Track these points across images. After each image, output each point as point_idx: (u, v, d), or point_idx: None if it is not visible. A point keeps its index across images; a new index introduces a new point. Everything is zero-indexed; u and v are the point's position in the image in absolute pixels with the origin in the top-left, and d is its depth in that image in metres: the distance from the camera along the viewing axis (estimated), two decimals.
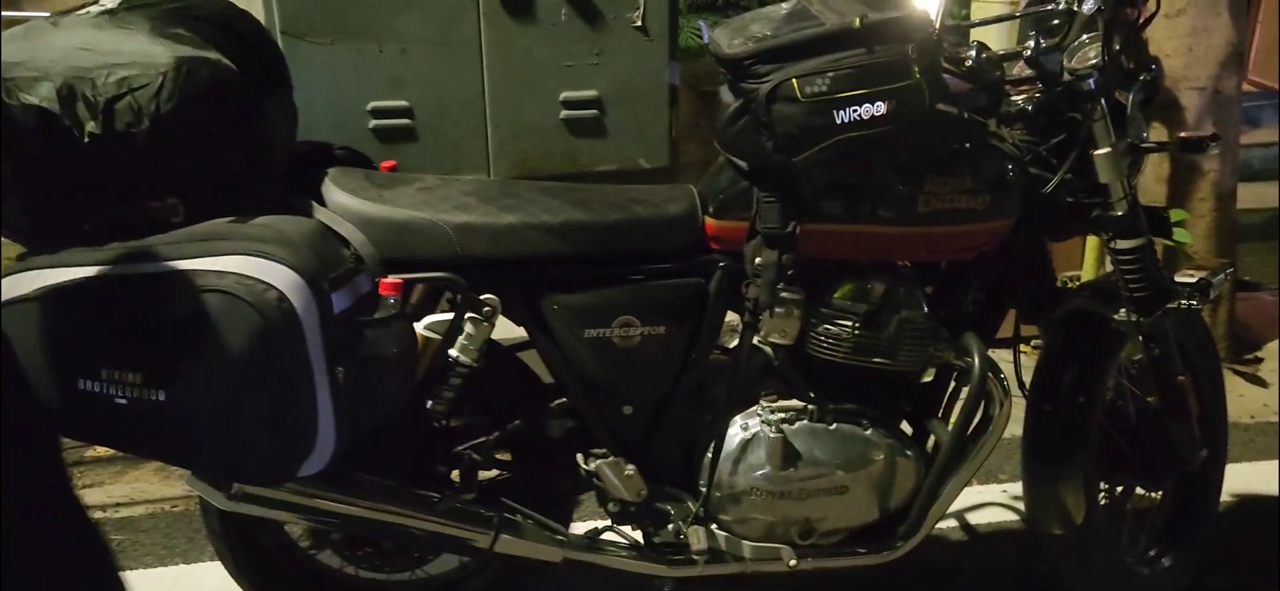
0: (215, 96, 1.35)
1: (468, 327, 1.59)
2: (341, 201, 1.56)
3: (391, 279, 1.43)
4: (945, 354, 1.74)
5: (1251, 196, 4.48)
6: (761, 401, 1.77)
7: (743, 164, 1.62)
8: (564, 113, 2.71)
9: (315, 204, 1.50)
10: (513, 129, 2.71)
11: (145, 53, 1.34)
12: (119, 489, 2.75)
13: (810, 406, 1.74)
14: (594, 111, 2.74)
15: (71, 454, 2.84)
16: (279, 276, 1.27)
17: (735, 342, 1.76)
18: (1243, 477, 2.66)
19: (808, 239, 1.60)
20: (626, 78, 2.69)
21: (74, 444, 2.72)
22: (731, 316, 1.73)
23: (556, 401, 1.73)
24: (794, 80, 1.47)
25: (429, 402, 1.63)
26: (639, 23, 2.63)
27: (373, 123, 2.60)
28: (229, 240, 1.31)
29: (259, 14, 2.54)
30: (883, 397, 1.81)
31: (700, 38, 3.27)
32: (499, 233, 1.58)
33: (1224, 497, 2.24)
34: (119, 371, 1.23)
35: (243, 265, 1.27)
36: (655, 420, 1.74)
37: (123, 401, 1.23)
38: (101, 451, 2.75)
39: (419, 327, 1.59)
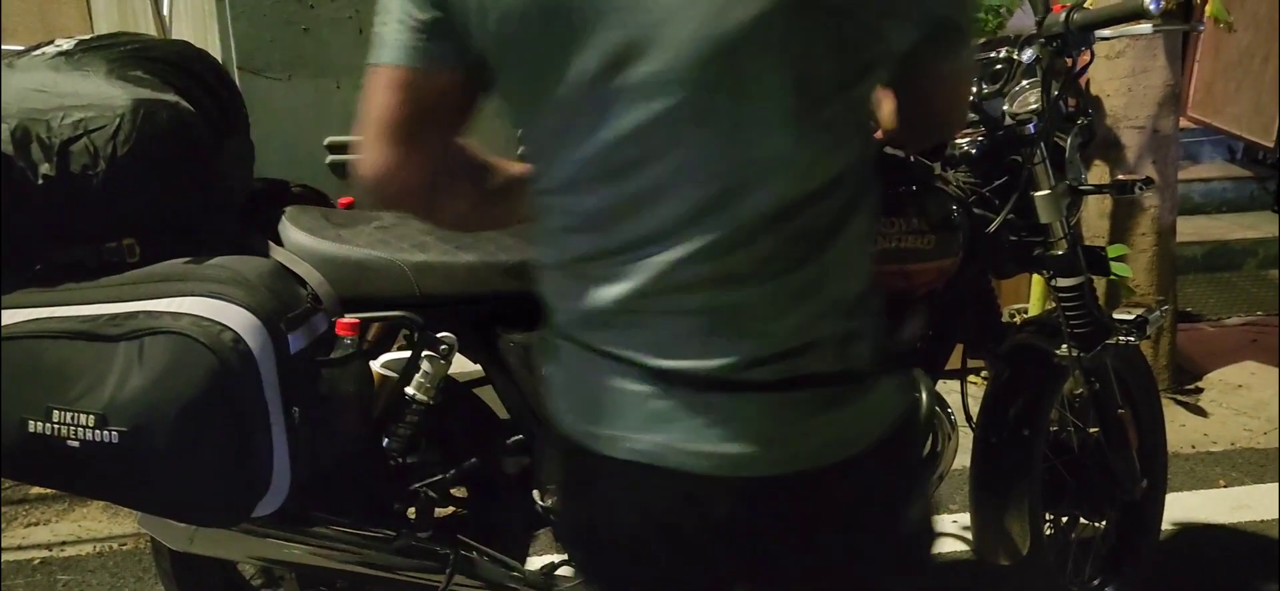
0: (173, 139, 1.36)
1: (424, 365, 1.61)
2: (298, 240, 1.57)
3: (348, 318, 1.44)
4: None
5: (1191, 230, 4.63)
6: None
7: None
8: (522, 148, 2.72)
9: (272, 243, 1.51)
10: None
11: (102, 95, 1.35)
12: (64, 527, 2.72)
13: None
14: None
15: (13, 492, 2.80)
16: (235, 317, 1.28)
17: None
18: (1183, 506, 2.73)
19: None
20: None
21: (13, 483, 2.68)
22: None
23: (512, 438, 1.74)
24: None
25: (385, 440, 1.64)
26: None
27: (330, 158, 2.61)
28: (185, 281, 1.31)
29: (215, 49, 2.54)
30: None
31: None
32: (456, 271, 1.60)
33: (1165, 526, 2.31)
34: (70, 413, 1.23)
35: (199, 306, 1.28)
36: None
37: (74, 444, 1.23)
38: (46, 489, 2.71)
39: (375, 365, 1.61)
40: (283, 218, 1.61)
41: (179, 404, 1.23)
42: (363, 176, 0.98)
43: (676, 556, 1.00)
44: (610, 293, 0.94)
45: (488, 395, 1.78)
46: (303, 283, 1.46)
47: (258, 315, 1.29)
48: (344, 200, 1.87)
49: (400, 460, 1.67)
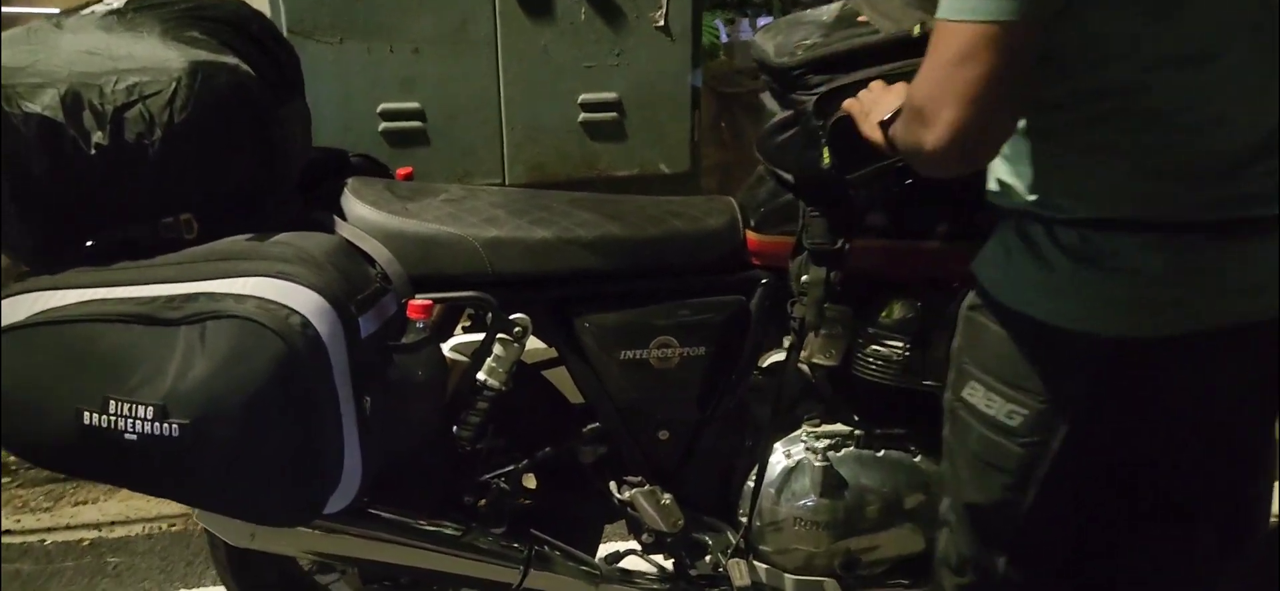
0: (232, 104, 1.27)
1: (497, 349, 1.52)
2: (363, 215, 1.48)
3: (420, 300, 1.35)
4: None
5: None
6: (804, 426, 1.69)
7: (788, 177, 1.54)
8: (582, 116, 2.63)
9: (336, 218, 1.41)
10: (528, 132, 2.64)
11: (157, 57, 1.26)
12: (113, 506, 2.67)
13: (856, 432, 1.67)
14: (613, 114, 2.65)
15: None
16: (303, 300, 1.19)
17: (772, 359, 1.68)
18: None
19: (857, 255, 1.53)
20: (647, 79, 2.61)
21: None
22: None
23: (588, 426, 1.65)
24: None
25: (455, 427, 1.55)
26: (661, 23, 2.54)
27: (383, 125, 2.52)
28: (248, 260, 1.23)
29: (265, 10, 2.44)
30: (931, 422, 1.73)
31: (718, 37, 3.19)
32: (531, 248, 1.51)
33: None
34: (128, 404, 1.15)
35: (264, 288, 1.19)
36: (692, 446, 1.67)
37: (132, 437, 1.15)
38: None
39: (445, 349, 1.52)
40: (345, 190, 1.52)
41: (245, 394, 1.14)
42: (945, 145, 1.02)
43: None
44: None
45: (559, 377, 1.69)
46: (371, 261, 1.37)
47: (326, 296, 1.20)
48: (402, 171, 1.79)
49: (470, 448, 1.59)
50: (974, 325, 1.26)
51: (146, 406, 1.14)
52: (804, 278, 1.54)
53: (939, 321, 1.60)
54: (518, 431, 1.67)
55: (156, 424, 1.14)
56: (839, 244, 1.51)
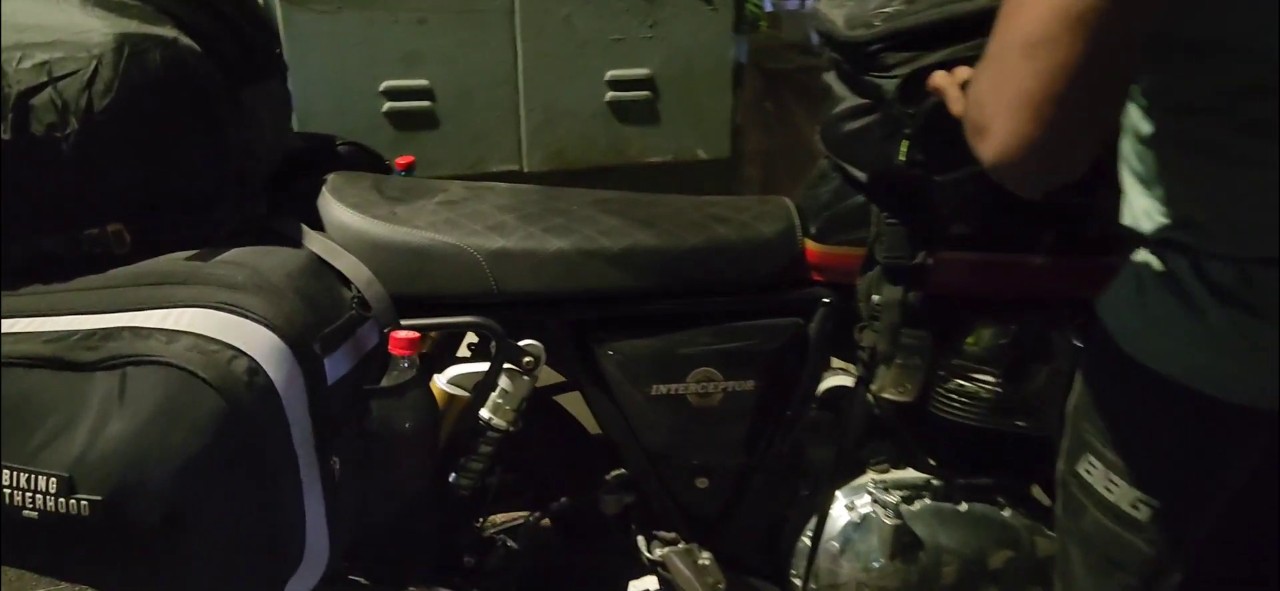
0: (170, 87, 1.04)
1: (503, 383, 1.28)
2: (342, 221, 1.23)
3: (405, 332, 1.11)
4: None
5: None
6: (870, 472, 1.44)
7: (859, 175, 1.29)
8: (610, 95, 2.43)
9: (306, 227, 1.17)
10: (549, 114, 2.43)
11: (75, 28, 1.02)
12: None
13: (933, 480, 1.42)
14: (645, 93, 2.44)
15: None
16: (253, 338, 0.95)
17: (828, 384, 1.43)
18: None
19: (941, 271, 1.27)
20: (683, 54, 2.40)
21: None
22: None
23: (613, 472, 1.40)
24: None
25: (452, 475, 1.32)
26: None
27: (386, 105, 2.30)
28: (187, 285, 0.99)
29: None
30: (1018, 467, 1.48)
31: (762, 6, 2.93)
32: (545, 262, 1.26)
33: None
34: (26, 474, 0.91)
35: (203, 322, 0.95)
36: (737, 495, 1.43)
37: (31, 514, 0.91)
38: None
39: (440, 381, 1.28)
40: (323, 189, 1.28)
41: (173, 464, 0.90)
42: (1011, 159, 0.80)
43: None
44: None
45: (573, 402, 1.45)
46: (346, 282, 1.12)
47: (283, 334, 0.97)
48: (402, 160, 1.55)
49: (471, 498, 1.35)
50: (1095, 381, 1.00)
51: (49, 477, 0.91)
52: (875, 297, 1.29)
53: (1038, 350, 1.36)
54: (527, 475, 1.43)
55: (61, 499, 0.90)
56: (920, 257, 1.26)
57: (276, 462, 0.96)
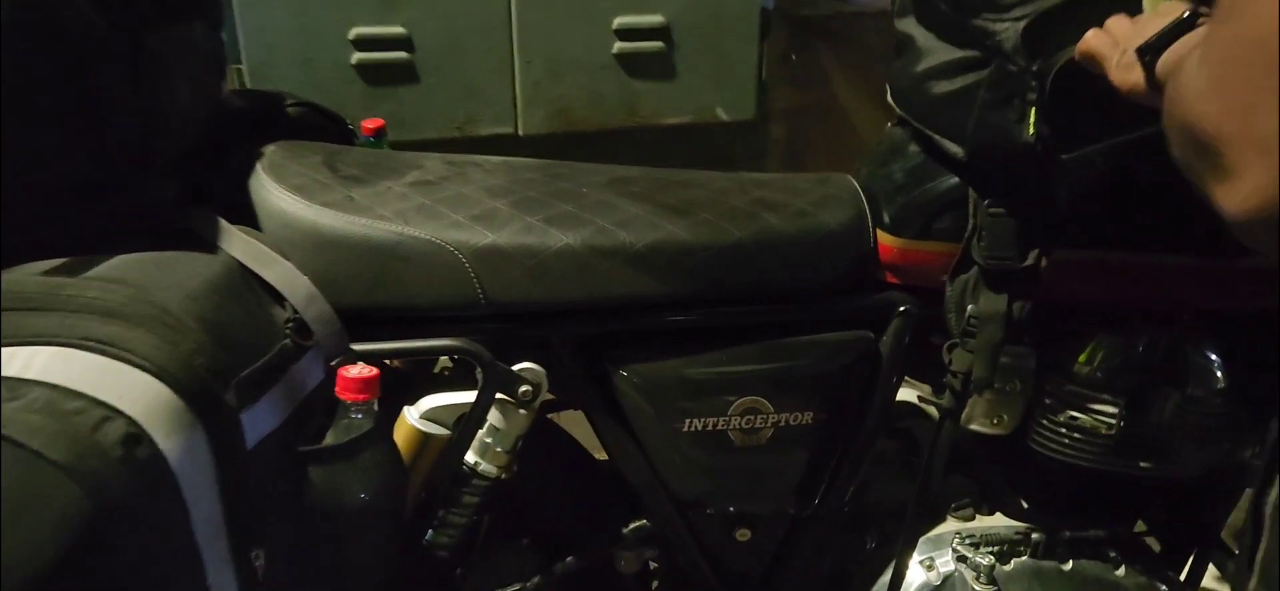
0: (25, 35, 0.75)
1: (494, 419, 1.02)
2: (281, 209, 0.96)
3: (360, 366, 0.83)
4: (1243, 455, 1.15)
5: None
6: (950, 519, 1.19)
7: (955, 149, 1.01)
8: (618, 45, 2.18)
9: (226, 225, 0.89)
10: (549, 67, 2.18)
11: None
12: None
13: (1032, 531, 1.16)
14: (658, 44, 2.17)
15: None
16: (131, 390, 0.68)
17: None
18: None
19: (1055, 275, 1.00)
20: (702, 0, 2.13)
21: None
22: None
23: (632, 524, 1.14)
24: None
25: (428, 532, 1.05)
26: None
27: (357, 56, 2.03)
28: (43, 313, 0.71)
29: None
30: (1121, 512, 1.23)
31: None
32: (548, 263, 0.99)
33: None
34: None
35: (62, 368, 0.68)
36: (787, 552, 1.19)
37: None
38: None
39: (411, 415, 1.01)
40: (257, 166, 1.00)
41: (17, 577, 0.63)
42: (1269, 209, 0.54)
43: None
44: None
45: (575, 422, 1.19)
46: (279, 298, 0.85)
47: (178, 382, 0.70)
48: (370, 123, 1.28)
49: (451, 562, 1.08)
50: None
51: None
52: (971, 308, 1.03)
53: (1169, 373, 1.11)
54: (522, 525, 1.18)
55: None
56: (1032, 258, 1.00)
57: (169, 568, 0.68)
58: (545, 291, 1.00)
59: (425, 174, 1.06)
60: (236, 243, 0.86)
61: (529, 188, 1.06)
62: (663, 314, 1.05)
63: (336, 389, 0.82)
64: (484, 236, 0.98)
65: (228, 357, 0.74)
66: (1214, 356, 1.11)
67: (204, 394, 0.70)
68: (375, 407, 0.83)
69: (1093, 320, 1.11)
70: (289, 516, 0.79)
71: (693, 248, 1.03)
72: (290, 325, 0.82)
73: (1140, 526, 1.30)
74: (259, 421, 0.75)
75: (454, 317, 0.99)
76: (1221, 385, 1.11)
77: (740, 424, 1.07)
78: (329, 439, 0.81)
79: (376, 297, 0.96)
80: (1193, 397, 1.10)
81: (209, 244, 0.86)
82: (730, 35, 2.19)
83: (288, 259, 0.90)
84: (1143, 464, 1.11)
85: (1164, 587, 1.19)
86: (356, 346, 0.88)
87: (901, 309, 1.10)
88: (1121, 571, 1.17)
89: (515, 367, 1.00)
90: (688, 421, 1.06)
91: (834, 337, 1.09)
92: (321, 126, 1.19)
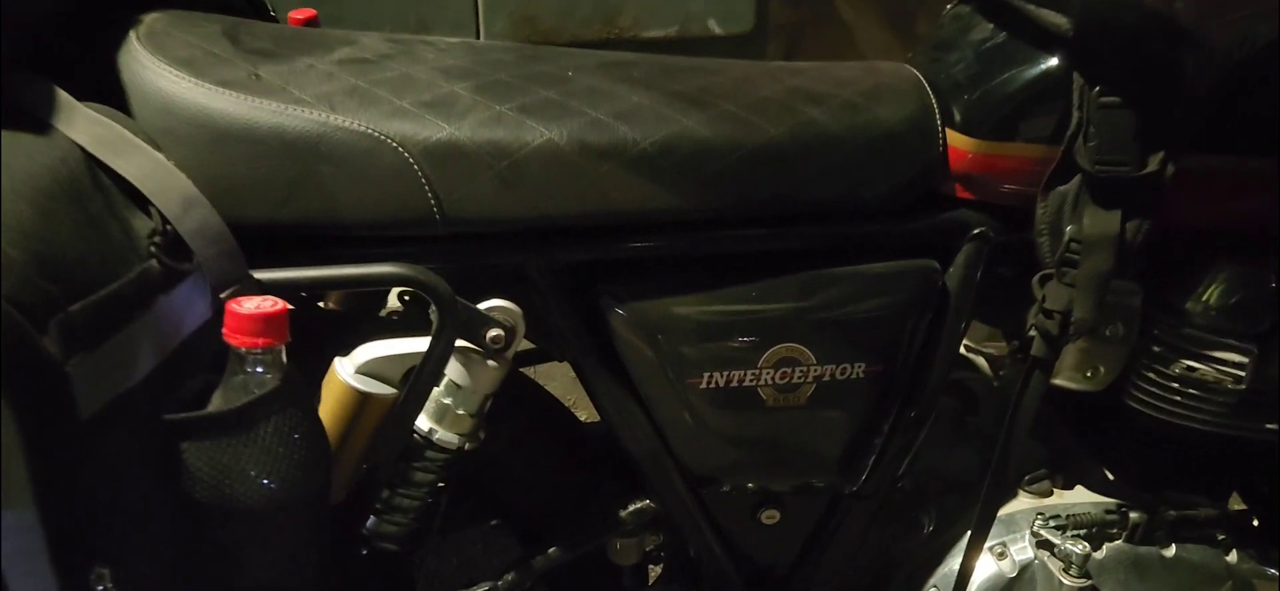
0: None
1: (454, 372, 0.79)
2: (158, 87, 0.73)
3: (259, 298, 0.59)
4: None
5: None
6: (1023, 494, 0.98)
7: (1055, 20, 0.79)
8: None
9: (72, 102, 0.64)
10: None
11: None
12: None
13: (1128, 510, 0.95)
14: None
15: None
16: None
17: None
18: None
19: (1184, 187, 0.80)
20: None
21: None
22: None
23: (632, 505, 0.91)
24: None
25: (369, 521, 0.82)
26: None
27: None
28: None
29: None
30: (1225, 487, 1.05)
31: None
32: (522, 166, 0.76)
33: None
34: None
35: None
36: (823, 537, 0.97)
37: None
38: None
39: (344, 370, 0.77)
40: (129, 35, 0.75)
41: None
42: None
43: None
44: None
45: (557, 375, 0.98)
46: (143, 203, 0.61)
47: None
48: (300, 13, 1.04)
49: (406, 554, 0.85)
50: None
51: None
52: (1073, 229, 0.81)
53: None
54: (491, 505, 0.95)
55: None
56: (1156, 163, 0.78)
57: None
58: (520, 204, 0.76)
59: (359, 50, 0.82)
60: (81, 125, 0.62)
61: (497, 70, 0.82)
62: (674, 235, 0.82)
63: (226, 330, 0.58)
64: (438, 129, 0.74)
65: (50, 284, 0.50)
66: None
67: (16, 336, 0.47)
68: (282, 357, 0.60)
69: (1212, 249, 0.89)
70: (156, 516, 0.55)
71: (714, 147, 0.79)
72: (157, 240, 0.58)
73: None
74: (101, 378, 0.52)
75: (400, 238, 0.76)
76: None
77: (773, 378, 0.84)
78: (216, 403, 0.58)
79: (292, 210, 0.72)
80: None
81: (42, 124, 0.61)
82: None
83: (165, 154, 0.65)
84: (1270, 426, 0.91)
85: (1276, 572, 1.00)
86: (259, 273, 0.64)
87: (975, 231, 0.88)
88: (1233, 556, 0.98)
89: (482, 305, 0.77)
90: (706, 375, 0.83)
91: (892, 267, 0.86)
92: (234, 8, 0.94)
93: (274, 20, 1.01)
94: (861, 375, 0.86)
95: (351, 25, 1.58)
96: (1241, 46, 0.77)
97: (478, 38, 1.90)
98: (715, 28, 1.98)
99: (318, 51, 0.80)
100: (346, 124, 0.73)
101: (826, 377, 0.86)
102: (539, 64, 0.84)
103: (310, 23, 1.05)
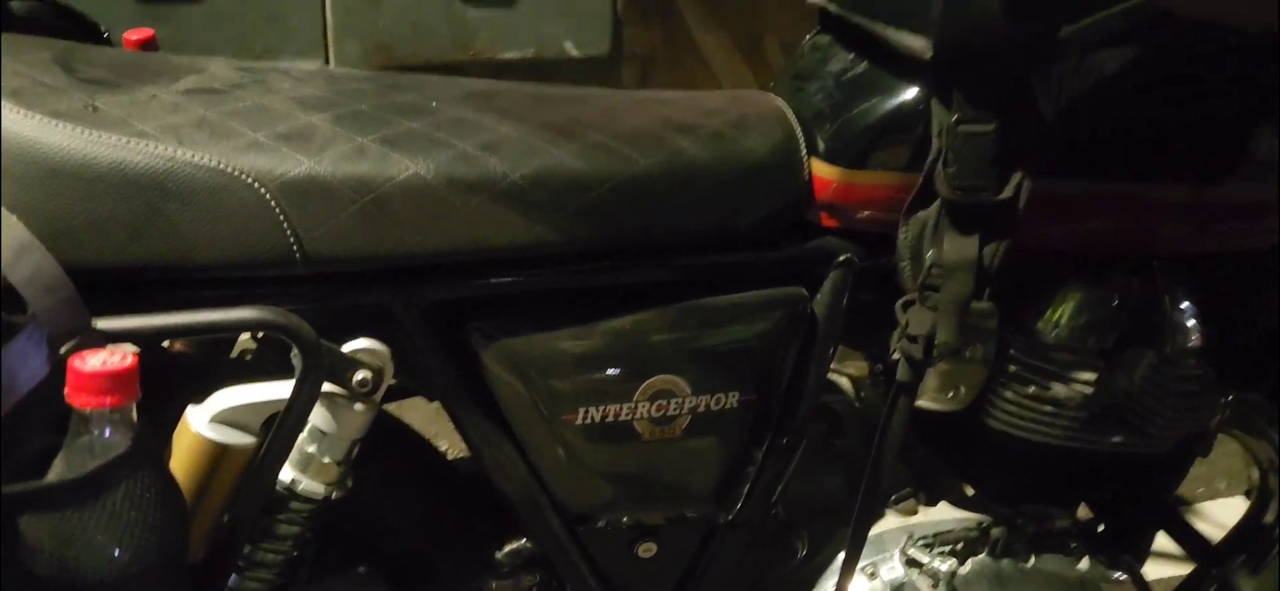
0: None
1: (318, 419, 0.76)
2: None
3: (105, 353, 0.56)
4: (1211, 423, 1.02)
5: None
6: (891, 514, 1.02)
7: (914, 43, 0.84)
8: None
9: None
10: None
11: None
12: None
13: (989, 525, 1.00)
14: None
15: None
16: None
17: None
18: None
19: (1037, 210, 0.84)
20: None
21: None
22: None
23: (507, 545, 0.90)
24: None
25: (232, 578, 0.79)
26: None
27: None
28: None
29: None
30: (1074, 497, 1.11)
31: None
32: (387, 201, 0.74)
33: None
34: None
35: None
36: (699, 567, 0.97)
37: None
38: None
39: (197, 420, 0.73)
40: None
41: None
42: None
43: None
44: None
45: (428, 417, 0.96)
46: None
47: None
48: (134, 35, 1.00)
49: None
50: None
51: None
52: (933, 254, 0.84)
53: (1146, 330, 0.95)
54: (361, 552, 0.92)
55: None
56: (1014, 186, 0.82)
57: None
58: (385, 240, 0.74)
59: (208, 79, 0.78)
60: None
61: (357, 100, 0.80)
62: (545, 269, 0.82)
63: (68, 391, 0.54)
64: (297, 163, 0.71)
65: None
66: (1190, 309, 0.97)
67: None
68: (133, 415, 0.56)
69: (1056, 269, 0.95)
70: None
71: (585, 179, 0.79)
72: None
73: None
74: None
75: (257, 279, 0.72)
76: (1196, 344, 0.97)
77: (649, 411, 0.84)
78: (57, 469, 0.53)
79: (137, 252, 0.68)
80: (1170, 358, 0.96)
81: None
82: None
83: None
84: (1115, 438, 0.96)
85: (1125, 576, 1.06)
86: (102, 323, 0.60)
87: (841, 258, 0.90)
88: (1085, 563, 1.03)
89: (347, 347, 0.74)
90: (581, 411, 0.83)
91: (762, 296, 0.87)
92: (63, 30, 0.89)
93: (109, 43, 0.97)
94: (735, 404, 0.87)
95: (193, 49, 1.53)
96: (1085, 71, 0.82)
97: (328, 63, 1.87)
98: (572, 50, 2.00)
99: (161, 80, 0.76)
100: (196, 159, 0.69)
101: (701, 408, 0.86)
102: (401, 93, 0.82)
103: (148, 44, 1.01)
